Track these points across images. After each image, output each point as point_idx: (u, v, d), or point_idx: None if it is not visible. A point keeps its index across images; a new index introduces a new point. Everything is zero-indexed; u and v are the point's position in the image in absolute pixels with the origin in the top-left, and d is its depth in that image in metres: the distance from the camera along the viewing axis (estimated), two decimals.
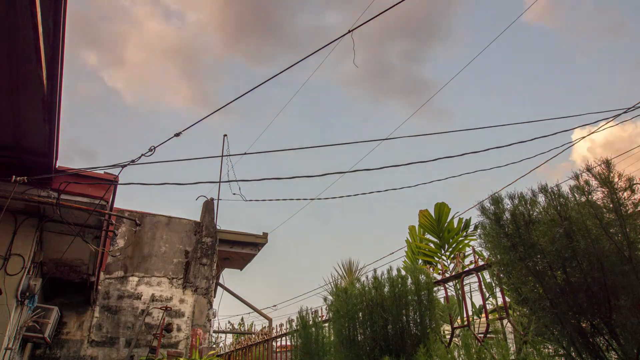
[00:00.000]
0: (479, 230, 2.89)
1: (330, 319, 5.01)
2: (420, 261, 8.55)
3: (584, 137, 4.72)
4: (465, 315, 4.20)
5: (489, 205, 2.74)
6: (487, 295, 6.29)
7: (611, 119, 4.52)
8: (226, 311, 32.58)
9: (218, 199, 9.36)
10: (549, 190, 2.53)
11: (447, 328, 4.51)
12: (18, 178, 3.54)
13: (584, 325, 2.38)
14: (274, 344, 7.55)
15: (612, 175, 2.27)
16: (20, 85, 2.89)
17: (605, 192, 2.29)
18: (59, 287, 6.90)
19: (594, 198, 2.36)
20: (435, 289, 4.14)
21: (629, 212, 2.22)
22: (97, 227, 4.56)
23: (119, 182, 4.14)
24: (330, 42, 3.67)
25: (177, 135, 3.98)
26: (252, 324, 19.83)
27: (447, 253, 8.42)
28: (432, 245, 8.69)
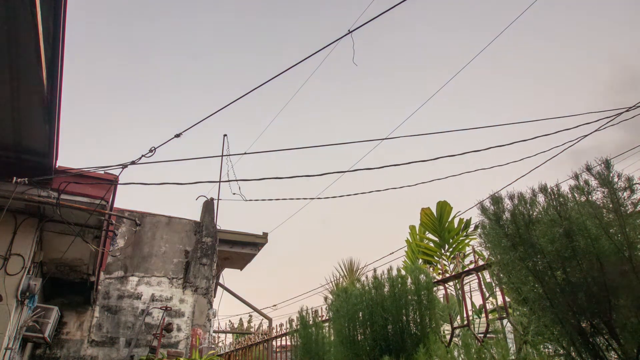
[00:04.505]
0: (479, 230, 2.89)
1: (330, 318, 5.01)
2: (420, 261, 8.55)
3: (585, 136, 4.71)
4: (465, 315, 4.20)
5: (489, 205, 2.74)
6: (487, 295, 6.29)
7: (612, 118, 4.52)
8: (226, 311, 32.66)
9: (218, 199, 9.35)
10: (549, 190, 2.53)
11: (447, 328, 4.51)
12: (19, 179, 3.54)
13: (583, 325, 2.38)
14: (274, 343, 7.56)
15: (611, 175, 2.27)
16: (21, 85, 2.89)
17: (605, 192, 2.29)
18: (59, 287, 6.90)
19: (593, 198, 2.36)
20: (435, 288, 4.14)
21: (628, 212, 2.22)
22: (97, 227, 4.56)
23: (119, 182, 4.14)
24: (330, 43, 3.68)
25: (177, 136, 3.99)
26: (250, 320, 19.93)
27: (448, 253, 8.43)
28: (432, 244, 8.69)
